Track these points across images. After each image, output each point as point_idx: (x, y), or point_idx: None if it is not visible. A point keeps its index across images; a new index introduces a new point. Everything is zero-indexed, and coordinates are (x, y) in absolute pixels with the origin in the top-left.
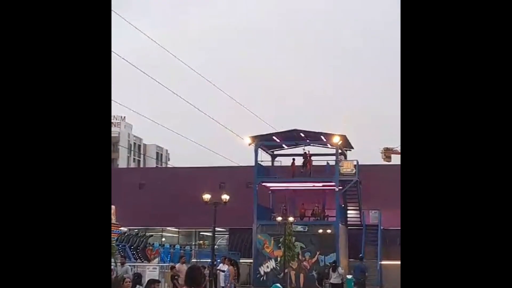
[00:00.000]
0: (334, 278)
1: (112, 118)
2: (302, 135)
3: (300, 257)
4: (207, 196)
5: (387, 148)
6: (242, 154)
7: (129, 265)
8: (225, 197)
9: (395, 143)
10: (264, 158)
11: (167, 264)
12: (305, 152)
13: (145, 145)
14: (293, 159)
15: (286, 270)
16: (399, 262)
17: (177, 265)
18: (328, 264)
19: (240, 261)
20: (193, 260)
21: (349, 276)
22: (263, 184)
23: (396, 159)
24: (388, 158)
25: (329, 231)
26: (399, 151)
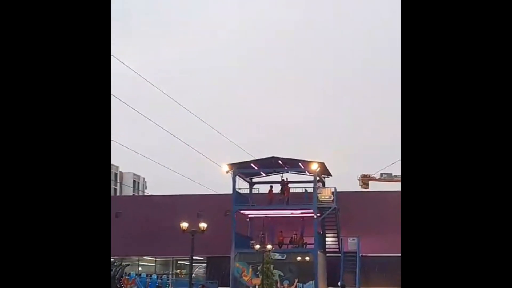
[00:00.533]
0: None
1: None
2: (280, 162)
3: (278, 285)
4: (184, 225)
5: (364, 175)
6: (220, 182)
7: None
8: (203, 225)
9: (373, 170)
10: (242, 186)
11: None
12: (283, 180)
13: (121, 173)
14: (271, 187)
15: None
16: None
17: None
18: None
19: None
20: None
21: None
22: (241, 211)
23: (373, 186)
24: (365, 185)
25: (307, 258)
26: (376, 178)
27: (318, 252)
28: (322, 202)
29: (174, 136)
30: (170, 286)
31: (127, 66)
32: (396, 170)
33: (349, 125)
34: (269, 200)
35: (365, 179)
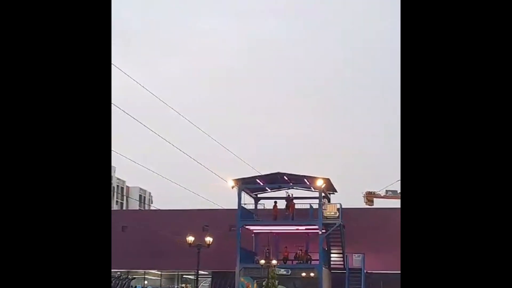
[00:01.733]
0: None
1: None
2: (286, 178)
3: None
4: (190, 238)
5: (369, 192)
6: (226, 197)
7: None
8: (209, 239)
9: (378, 187)
10: (248, 201)
11: None
12: (288, 195)
13: (128, 187)
14: (275, 202)
15: None
16: None
17: None
18: None
19: None
20: None
21: None
22: (246, 227)
23: (378, 203)
24: (370, 201)
25: (312, 274)
26: (381, 195)
27: (323, 268)
28: (327, 218)
29: (181, 151)
30: None
31: (132, 78)
32: None
33: (355, 141)
34: (274, 216)
35: (370, 196)
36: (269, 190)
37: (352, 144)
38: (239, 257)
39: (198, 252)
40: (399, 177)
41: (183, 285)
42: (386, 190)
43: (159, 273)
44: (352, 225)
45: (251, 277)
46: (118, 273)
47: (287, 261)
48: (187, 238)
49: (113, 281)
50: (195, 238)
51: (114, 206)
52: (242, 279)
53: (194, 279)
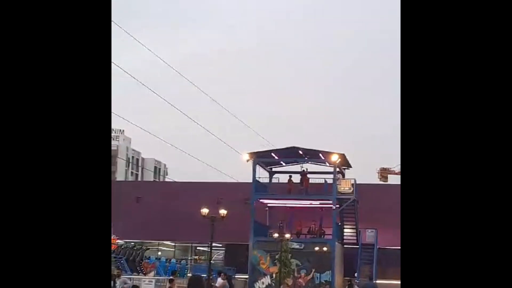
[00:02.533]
0: None
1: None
2: (301, 152)
3: (295, 274)
4: (205, 211)
5: (383, 168)
6: (240, 170)
7: (125, 277)
8: (223, 211)
9: (392, 163)
10: (262, 175)
11: (163, 278)
12: (303, 170)
13: (143, 159)
14: (290, 176)
15: (281, 287)
16: (394, 282)
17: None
18: (324, 282)
19: (236, 276)
20: (188, 275)
21: None
22: (261, 200)
23: (392, 179)
24: (384, 178)
25: (325, 249)
26: (396, 171)
27: (336, 243)
28: (341, 193)
29: (197, 123)
30: (188, 271)
31: (152, 52)
32: None
33: (370, 118)
34: (288, 190)
35: (384, 172)
36: (284, 164)
37: (368, 120)
38: (252, 231)
39: (212, 224)
40: None
41: (197, 256)
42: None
43: (173, 244)
44: (366, 201)
45: (264, 250)
46: (132, 243)
47: (301, 235)
48: (201, 210)
49: (127, 252)
50: (209, 210)
51: (130, 177)
52: (255, 252)
53: (208, 251)
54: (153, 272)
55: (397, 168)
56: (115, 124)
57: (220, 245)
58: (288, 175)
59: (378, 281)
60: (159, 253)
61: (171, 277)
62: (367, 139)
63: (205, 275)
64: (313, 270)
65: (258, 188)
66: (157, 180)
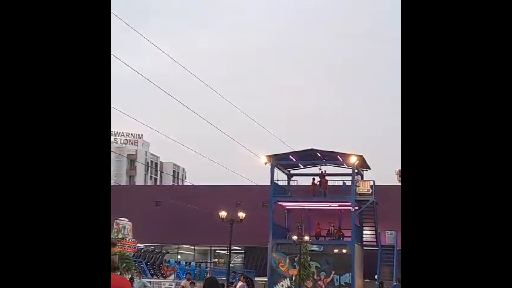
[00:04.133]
0: None
1: (130, 136)
2: (319, 154)
3: (315, 276)
4: (223, 213)
5: None
6: (258, 173)
7: (146, 281)
8: (242, 214)
9: None
10: (280, 177)
11: (183, 281)
12: (322, 172)
13: (162, 163)
14: (313, 179)
15: None
16: None
17: (183, 282)
18: (343, 284)
19: (255, 279)
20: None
21: None
22: (279, 203)
23: None
24: None
25: (344, 251)
26: None
27: (355, 245)
28: (360, 195)
29: (215, 126)
30: (208, 274)
31: (167, 54)
32: None
33: (391, 118)
34: (311, 192)
35: None
36: (302, 167)
37: (387, 121)
38: (271, 233)
39: (231, 227)
40: None
41: (216, 260)
42: None
43: (192, 247)
44: (385, 202)
45: (283, 252)
46: (152, 247)
47: (320, 238)
48: (220, 213)
49: (147, 255)
50: (228, 213)
51: (149, 181)
52: (274, 255)
53: (227, 254)
54: (173, 276)
55: None
56: (134, 128)
57: (239, 248)
58: (306, 177)
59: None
60: (179, 256)
61: (191, 282)
62: (385, 140)
63: (224, 278)
64: (333, 272)
65: (276, 190)
66: (175, 184)
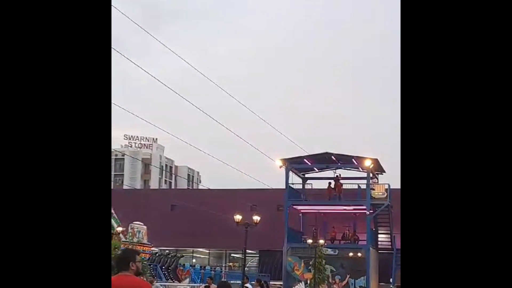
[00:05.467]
0: None
1: (144, 139)
2: (334, 158)
3: (330, 280)
4: (238, 217)
5: None
6: (273, 177)
7: (161, 285)
8: (256, 218)
9: None
10: (295, 181)
11: (198, 285)
12: (337, 176)
13: (176, 166)
14: (329, 183)
15: None
16: None
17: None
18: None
19: (270, 283)
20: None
21: None
22: (294, 206)
23: None
24: None
25: (359, 254)
26: None
27: (370, 249)
28: (375, 198)
29: (230, 130)
30: (223, 278)
31: (182, 58)
32: None
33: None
34: (327, 196)
35: None
36: (317, 170)
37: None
38: (286, 237)
39: (246, 231)
40: None
41: (231, 263)
42: None
43: (207, 251)
44: (400, 206)
45: (298, 256)
46: (167, 250)
47: (335, 241)
48: (234, 217)
49: (162, 259)
50: (243, 217)
51: (163, 185)
52: (289, 259)
53: (242, 257)
54: (187, 279)
55: None
56: (148, 132)
57: (254, 252)
58: (321, 181)
59: None
60: (194, 260)
61: (207, 284)
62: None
63: (239, 282)
64: (348, 276)
65: (291, 194)
66: (190, 187)
